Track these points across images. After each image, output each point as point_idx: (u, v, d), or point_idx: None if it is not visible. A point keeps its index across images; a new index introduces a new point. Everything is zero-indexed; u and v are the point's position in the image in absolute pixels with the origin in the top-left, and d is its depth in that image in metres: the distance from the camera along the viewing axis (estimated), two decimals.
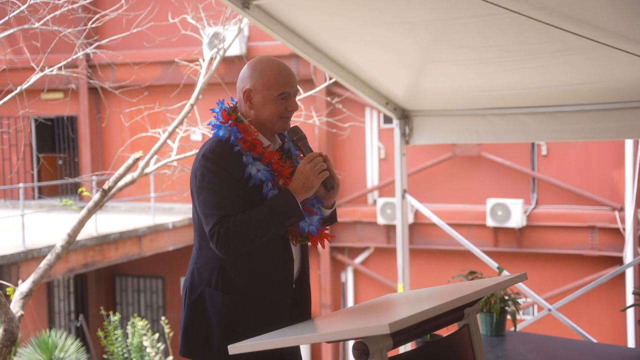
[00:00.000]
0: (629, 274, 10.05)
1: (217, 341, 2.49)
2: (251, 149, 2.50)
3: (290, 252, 2.58)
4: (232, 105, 2.62)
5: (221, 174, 2.43)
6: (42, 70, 5.42)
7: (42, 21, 5.39)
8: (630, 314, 9.70)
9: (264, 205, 2.42)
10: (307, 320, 2.44)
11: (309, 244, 2.63)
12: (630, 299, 9.71)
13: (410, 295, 2.60)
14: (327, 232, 2.63)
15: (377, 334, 1.75)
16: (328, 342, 2.02)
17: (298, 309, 2.64)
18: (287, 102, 2.54)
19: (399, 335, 1.85)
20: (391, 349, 1.84)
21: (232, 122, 2.52)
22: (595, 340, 5.01)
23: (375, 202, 12.14)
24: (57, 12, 5.41)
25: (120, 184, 5.52)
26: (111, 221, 12.00)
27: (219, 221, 2.38)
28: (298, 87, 2.66)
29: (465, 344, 2.15)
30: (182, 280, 14.12)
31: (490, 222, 10.90)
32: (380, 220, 11.63)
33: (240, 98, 2.59)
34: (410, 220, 11.34)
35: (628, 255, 10.08)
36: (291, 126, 2.60)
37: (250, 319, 2.48)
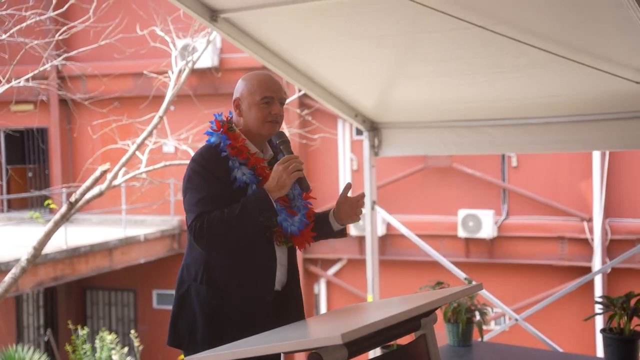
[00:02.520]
0: (598, 283, 10.18)
1: (201, 332, 2.63)
2: (238, 154, 2.65)
3: (273, 252, 2.69)
4: (229, 117, 2.79)
5: (206, 176, 2.60)
6: (8, 81, 5.37)
7: (8, 33, 5.35)
8: (599, 323, 9.80)
9: (239, 202, 2.55)
10: (264, 332, 2.45)
11: (294, 245, 2.75)
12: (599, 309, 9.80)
13: (371, 304, 2.62)
14: (309, 234, 2.76)
15: (330, 345, 1.76)
16: (284, 353, 2.02)
17: (289, 314, 2.73)
18: (270, 107, 2.70)
19: (354, 346, 1.86)
20: (347, 359, 1.85)
21: (224, 130, 2.70)
22: (561, 350, 5.05)
23: None
24: (24, 24, 5.37)
25: (88, 196, 5.47)
26: (82, 234, 11.87)
27: (197, 217, 2.53)
28: (285, 96, 2.81)
29: (421, 354, 2.17)
30: (155, 293, 14.01)
31: (461, 233, 10.97)
32: (353, 232, 11.65)
33: (233, 108, 2.78)
34: (383, 231, 11.37)
35: (597, 265, 10.20)
36: (279, 131, 2.75)
37: (231, 313, 2.61)
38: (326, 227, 2.86)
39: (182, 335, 2.68)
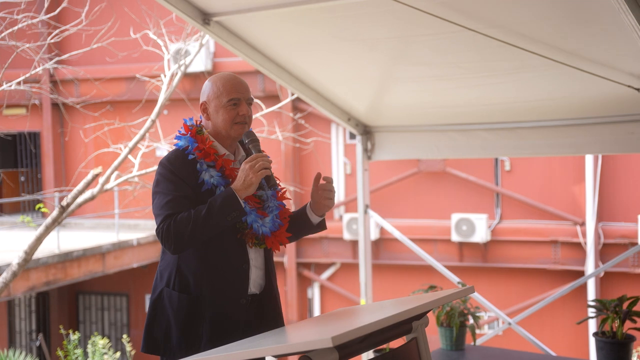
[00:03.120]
0: (591, 287, 10.19)
1: (176, 338, 2.60)
2: (206, 156, 2.64)
3: (246, 254, 2.66)
4: (199, 121, 2.77)
5: (173, 179, 2.59)
6: None
7: (0, 36, 5.33)
8: (592, 326, 9.81)
9: (206, 203, 2.54)
10: (255, 336, 2.44)
11: (267, 246, 2.71)
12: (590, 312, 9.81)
13: (363, 308, 2.60)
14: (282, 234, 2.73)
15: (321, 348, 1.75)
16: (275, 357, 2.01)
17: (268, 318, 2.72)
18: (238, 108, 2.68)
19: (345, 349, 1.85)
20: None
21: (192, 133, 2.69)
22: (554, 354, 5.05)
23: (341, 217, 12.15)
24: (16, 27, 5.35)
25: (80, 200, 5.45)
26: (74, 238, 11.82)
27: (164, 220, 2.53)
28: (252, 96, 2.78)
29: (413, 357, 2.16)
30: (147, 297, 13.97)
31: (455, 237, 10.97)
32: (347, 236, 11.64)
33: (200, 112, 2.76)
34: (376, 235, 11.37)
35: (589, 269, 10.21)
36: (247, 130, 2.73)
37: (205, 317, 2.58)
38: (305, 222, 2.84)
39: (157, 341, 2.65)
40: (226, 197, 2.52)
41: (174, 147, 2.71)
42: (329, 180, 2.82)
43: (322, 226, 2.88)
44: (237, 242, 2.63)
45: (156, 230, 2.55)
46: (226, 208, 2.51)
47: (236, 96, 2.67)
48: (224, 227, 2.55)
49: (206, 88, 2.73)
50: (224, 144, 2.72)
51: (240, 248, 2.64)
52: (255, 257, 2.69)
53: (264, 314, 2.72)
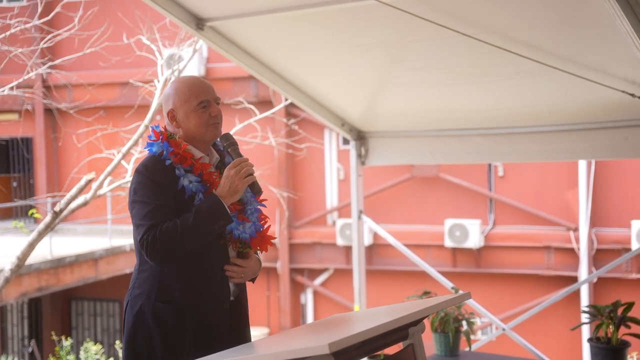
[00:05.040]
0: (584, 293, 10.20)
1: (160, 351, 2.53)
2: (182, 161, 2.56)
3: (228, 259, 2.61)
4: (165, 128, 2.68)
5: (152, 186, 2.51)
6: None
7: None
8: (585, 332, 9.82)
9: (191, 212, 2.47)
10: (250, 342, 2.42)
11: (253, 249, 2.67)
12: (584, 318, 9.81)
13: (359, 314, 2.59)
14: (267, 237, 2.69)
15: (317, 354, 1.74)
16: None
17: (241, 324, 2.69)
18: (209, 110, 2.61)
19: (341, 355, 1.83)
20: None
21: (164, 138, 2.60)
22: (548, 359, 5.05)
23: (334, 223, 12.13)
24: (8, 32, 5.33)
25: (73, 206, 5.42)
26: (67, 244, 11.77)
27: (147, 230, 2.44)
28: (218, 95, 2.70)
29: None
30: None
31: (448, 243, 10.98)
32: (340, 242, 11.62)
33: (167, 121, 2.67)
34: (370, 241, 11.36)
35: (583, 275, 10.23)
36: (224, 133, 2.67)
37: (189, 326, 2.53)
38: None
39: (140, 356, 2.57)
40: (213, 205, 2.47)
41: (147, 153, 2.62)
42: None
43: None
44: (218, 247, 2.58)
45: (139, 241, 2.46)
46: (214, 216, 2.46)
47: (205, 98, 2.60)
48: (212, 235, 2.50)
49: (170, 95, 2.64)
50: (199, 147, 2.64)
51: (222, 254, 2.59)
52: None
53: (236, 320, 2.68)
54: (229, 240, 2.60)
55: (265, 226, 2.72)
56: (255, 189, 2.62)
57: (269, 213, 2.80)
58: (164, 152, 2.56)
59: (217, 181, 2.58)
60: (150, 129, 2.65)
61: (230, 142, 2.64)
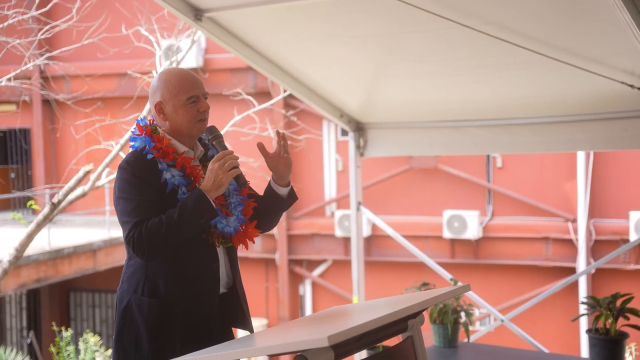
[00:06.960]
0: (582, 284, 10.22)
1: (146, 345, 2.53)
2: (164, 156, 2.55)
3: (215, 253, 2.60)
4: (151, 120, 2.68)
5: (136, 182, 2.50)
6: None
7: None
8: (583, 323, 9.84)
9: (176, 207, 2.47)
10: (250, 334, 2.42)
11: (234, 245, 2.66)
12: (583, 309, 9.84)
13: (358, 306, 2.59)
14: (251, 231, 2.67)
15: (316, 347, 1.74)
16: (270, 356, 2.00)
17: (237, 316, 2.68)
18: (197, 105, 2.60)
19: (340, 348, 1.84)
20: None
21: (147, 133, 2.59)
22: (547, 351, 5.06)
23: (333, 214, 12.14)
24: (6, 23, 5.31)
25: (71, 197, 5.42)
26: (65, 235, 11.77)
27: (133, 227, 2.44)
28: (206, 90, 2.68)
29: (408, 356, 2.15)
30: None
31: (446, 234, 10.98)
32: (338, 233, 11.63)
33: (154, 113, 2.65)
34: (368, 232, 11.36)
35: (581, 266, 10.24)
36: (208, 126, 2.66)
37: (177, 322, 2.53)
38: (275, 198, 2.75)
39: (128, 351, 2.57)
40: (197, 200, 2.45)
41: (130, 149, 2.61)
42: (281, 136, 2.72)
43: (293, 197, 2.78)
44: (204, 241, 2.57)
45: (126, 238, 2.46)
46: (198, 211, 2.45)
47: (195, 93, 2.59)
48: (198, 230, 2.50)
49: (158, 87, 2.61)
50: (184, 141, 2.63)
51: (209, 247, 2.58)
52: (220, 254, 2.63)
53: (233, 312, 2.68)
54: (212, 235, 2.58)
55: (252, 222, 2.69)
56: (240, 181, 2.60)
57: None
58: (146, 146, 2.55)
59: (201, 175, 2.58)
60: (136, 122, 2.64)
61: (215, 135, 2.64)
